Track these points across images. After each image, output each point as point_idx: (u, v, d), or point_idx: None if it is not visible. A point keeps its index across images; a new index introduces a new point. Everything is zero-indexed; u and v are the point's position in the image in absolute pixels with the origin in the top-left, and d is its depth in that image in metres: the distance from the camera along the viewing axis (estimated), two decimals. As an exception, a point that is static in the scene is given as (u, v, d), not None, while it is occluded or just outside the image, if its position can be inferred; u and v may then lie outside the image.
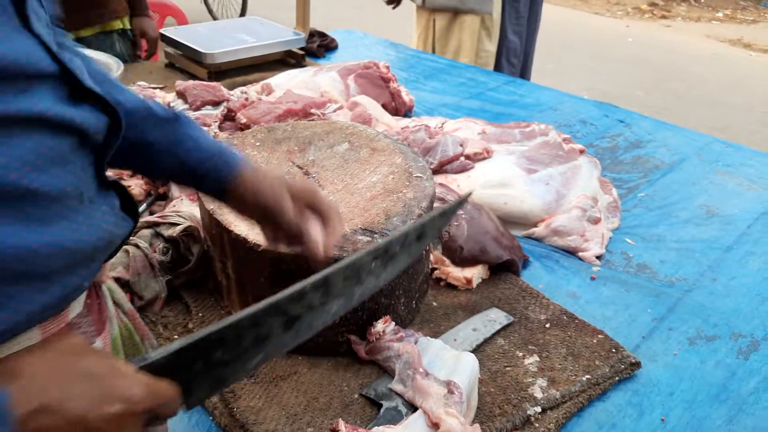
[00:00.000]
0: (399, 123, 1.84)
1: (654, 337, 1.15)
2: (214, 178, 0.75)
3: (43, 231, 0.50)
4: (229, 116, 1.73)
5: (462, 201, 0.86)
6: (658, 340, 1.14)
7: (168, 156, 0.73)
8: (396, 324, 1.09)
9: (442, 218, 0.81)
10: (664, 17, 7.79)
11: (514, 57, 3.07)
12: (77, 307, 0.61)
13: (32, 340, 0.53)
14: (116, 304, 0.74)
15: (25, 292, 0.50)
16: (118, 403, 0.42)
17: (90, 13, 2.16)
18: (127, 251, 1.11)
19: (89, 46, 2.14)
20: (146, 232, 1.17)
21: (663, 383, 1.05)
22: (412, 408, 0.93)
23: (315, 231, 0.76)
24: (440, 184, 1.48)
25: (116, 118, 0.59)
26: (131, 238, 1.15)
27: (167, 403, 0.46)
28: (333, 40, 2.75)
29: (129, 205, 0.65)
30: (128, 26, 2.29)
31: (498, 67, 3.07)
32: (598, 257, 1.38)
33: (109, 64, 1.89)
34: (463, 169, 1.57)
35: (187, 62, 2.24)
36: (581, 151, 1.70)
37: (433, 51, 3.03)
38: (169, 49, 2.31)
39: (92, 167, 0.58)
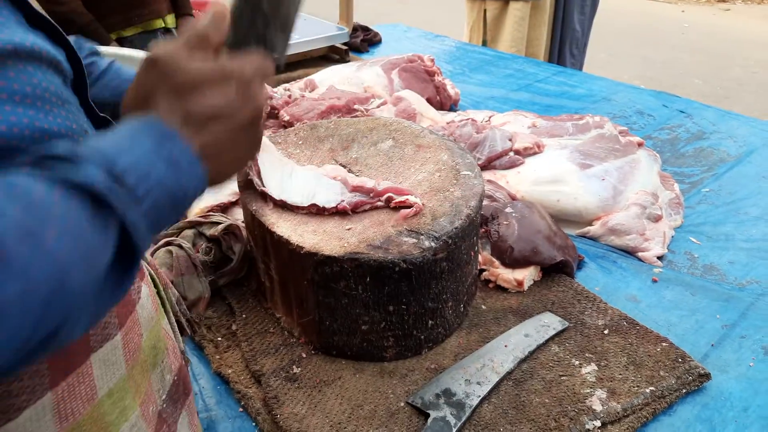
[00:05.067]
0: (444, 117, 1.78)
1: (724, 346, 1.06)
2: None
3: None
4: (272, 114, 1.72)
5: None
6: (729, 349, 1.05)
7: None
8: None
9: None
10: (722, 1, 7.40)
11: (576, 48, 2.98)
12: None
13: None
14: None
15: None
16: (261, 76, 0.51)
17: (131, 13, 2.19)
18: (170, 251, 1.10)
19: (132, 45, 2.17)
20: (189, 232, 1.16)
21: (736, 397, 0.96)
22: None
23: None
24: (488, 181, 1.42)
25: (69, 47, 0.53)
26: (175, 238, 1.14)
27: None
28: (377, 34, 2.72)
29: None
30: (171, 24, 2.32)
31: (560, 59, 2.98)
32: (660, 258, 1.29)
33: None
34: (512, 165, 1.50)
35: (232, 60, 2.24)
36: (639, 144, 1.60)
37: (485, 41, 2.95)
38: (214, 48, 2.32)
39: (83, 107, 0.54)
